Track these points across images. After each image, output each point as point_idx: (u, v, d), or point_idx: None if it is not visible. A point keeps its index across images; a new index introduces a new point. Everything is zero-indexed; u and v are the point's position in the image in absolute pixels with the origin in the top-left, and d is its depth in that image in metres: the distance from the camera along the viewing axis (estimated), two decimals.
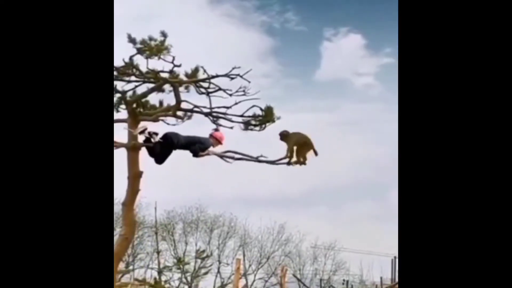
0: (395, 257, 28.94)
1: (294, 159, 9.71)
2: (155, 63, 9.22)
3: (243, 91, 9.61)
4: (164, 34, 8.96)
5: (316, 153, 9.72)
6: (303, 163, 9.76)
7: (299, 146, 9.71)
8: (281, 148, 9.81)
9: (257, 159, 9.74)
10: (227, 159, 9.70)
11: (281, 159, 9.75)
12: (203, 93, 9.83)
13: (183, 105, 9.78)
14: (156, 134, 9.22)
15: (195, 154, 9.30)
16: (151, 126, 9.49)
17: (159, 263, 18.22)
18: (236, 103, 9.75)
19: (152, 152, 9.27)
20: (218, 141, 9.58)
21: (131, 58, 9.20)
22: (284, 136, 9.76)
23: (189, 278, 30.73)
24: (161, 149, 9.21)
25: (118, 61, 9.22)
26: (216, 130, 9.76)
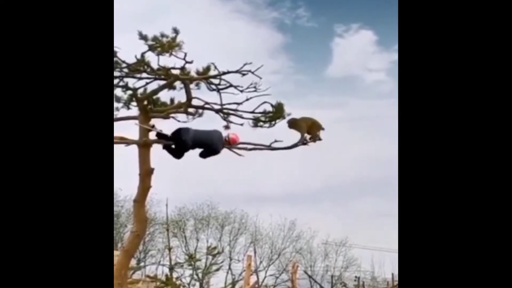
0: None
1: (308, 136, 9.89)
2: (166, 60, 9.25)
3: (254, 87, 9.61)
4: (176, 31, 8.97)
5: (322, 128, 9.96)
6: (319, 139, 9.95)
7: (309, 129, 9.87)
8: (291, 143, 9.86)
9: (270, 147, 9.78)
10: (239, 152, 9.72)
11: (295, 144, 9.82)
12: (214, 89, 9.85)
13: (194, 102, 9.82)
14: (165, 135, 9.28)
15: (203, 157, 9.42)
16: (162, 123, 9.52)
17: (170, 259, 18.18)
18: (247, 99, 9.79)
19: (168, 148, 9.36)
20: (229, 143, 9.58)
21: (142, 55, 9.22)
22: (293, 123, 9.88)
23: (200, 275, 30.72)
24: (175, 147, 9.31)
25: (129, 58, 9.25)
26: (228, 127, 9.83)
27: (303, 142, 9.87)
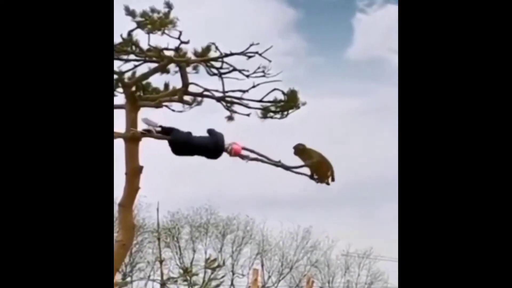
0: None
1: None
2: (158, 39, 9.20)
3: (262, 71, 9.58)
4: (168, 5, 8.90)
5: (333, 179, 9.79)
6: (327, 183, 9.79)
7: (318, 166, 9.72)
8: (305, 141, 9.80)
9: (276, 163, 9.68)
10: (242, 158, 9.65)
11: (301, 166, 9.67)
12: (214, 74, 9.82)
13: (191, 89, 9.76)
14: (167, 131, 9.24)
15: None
16: (152, 113, 9.49)
17: (162, 274, 18.24)
18: (254, 86, 9.75)
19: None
20: (230, 154, 9.48)
21: (129, 33, 9.17)
22: (300, 150, 9.71)
23: None
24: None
25: (114, 37, 9.21)
26: (232, 118, 9.78)
27: (311, 176, 9.75)
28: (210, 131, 9.33)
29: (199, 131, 9.36)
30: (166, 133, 9.28)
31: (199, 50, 9.56)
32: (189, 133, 9.25)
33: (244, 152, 9.52)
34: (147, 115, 9.45)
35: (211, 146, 9.25)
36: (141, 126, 9.35)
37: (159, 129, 9.27)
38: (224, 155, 9.39)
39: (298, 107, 9.90)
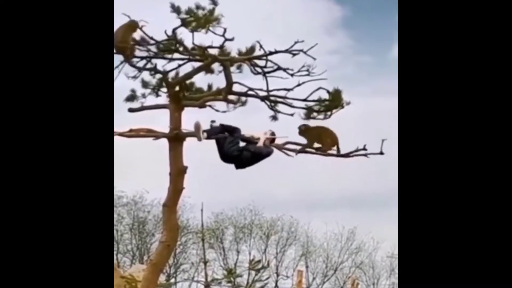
0: None
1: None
2: (203, 38, 9.18)
3: (307, 70, 9.51)
4: (214, 1, 8.87)
5: (338, 151, 9.77)
6: (336, 151, 9.82)
7: (320, 137, 9.79)
8: (352, 140, 9.75)
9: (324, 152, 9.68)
10: (288, 152, 9.65)
11: (356, 150, 9.65)
12: (259, 73, 9.79)
13: (236, 88, 9.75)
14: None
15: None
16: (196, 113, 9.50)
17: (206, 275, 18.27)
18: (299, 84, 9.67)
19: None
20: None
21: (174, 31, 9.17)
22: (303, 130, 9.77)
23: None
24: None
25: (159, 35, 9.24)
26: (276, 118, 9.81)
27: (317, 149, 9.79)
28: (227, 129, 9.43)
29: (243, 131, 9.40)
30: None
31: (243, 48, 9.51)
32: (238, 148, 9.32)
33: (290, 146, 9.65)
34: (191, 115, 9.50)
35: (262, 154, 9.31)
36: (185, 126, 9.38)
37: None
38: None
39: (342, 107, 9.82)
